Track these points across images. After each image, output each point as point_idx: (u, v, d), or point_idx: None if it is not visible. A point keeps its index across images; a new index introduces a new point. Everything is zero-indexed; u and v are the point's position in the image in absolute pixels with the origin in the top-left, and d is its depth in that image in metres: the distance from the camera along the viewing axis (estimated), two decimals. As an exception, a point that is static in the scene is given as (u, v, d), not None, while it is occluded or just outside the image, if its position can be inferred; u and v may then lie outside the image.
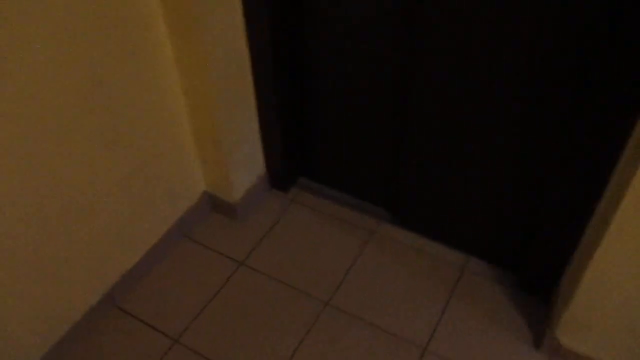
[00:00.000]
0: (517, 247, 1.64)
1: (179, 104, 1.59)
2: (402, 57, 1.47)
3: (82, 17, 1.22)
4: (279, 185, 1.97)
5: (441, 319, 1.59)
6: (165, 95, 1.54)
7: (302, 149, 1.92)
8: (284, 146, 1.86)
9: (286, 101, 1.74)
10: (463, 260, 1.75)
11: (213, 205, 1.89)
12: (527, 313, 1.61)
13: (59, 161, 1.30)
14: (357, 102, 1.66)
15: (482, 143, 1.49)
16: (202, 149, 1.72)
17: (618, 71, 1.10)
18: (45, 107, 1.22)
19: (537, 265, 1.58)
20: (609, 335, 1.33)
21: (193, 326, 1.59)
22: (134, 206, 1.57)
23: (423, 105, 1.50)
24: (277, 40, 1.57)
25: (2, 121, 1.14)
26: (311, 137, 1.87)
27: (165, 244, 1.74)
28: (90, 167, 1.38)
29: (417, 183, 1.70)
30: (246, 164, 1.83)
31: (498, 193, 1.57)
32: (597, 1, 1.11)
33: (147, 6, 1.36)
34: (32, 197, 1.27)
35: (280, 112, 1.75)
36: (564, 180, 1.37)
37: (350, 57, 1.56)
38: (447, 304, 1.63)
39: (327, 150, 1.87)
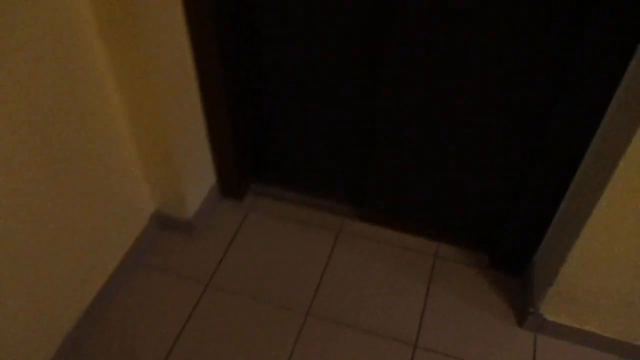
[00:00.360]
0: (487, 227, 1.65)
1: (120, 122, 1.42)
2: (367, 39, 1.40)
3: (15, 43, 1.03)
4: (233, 194, 1.84)
5: (424, 311, 1.57)
6: (106, 116, 1.36)
7: (255, 151, 1.80)
8: (236, 151, 1.73)
9: (235, 102, 1.61)
10: (434, 247, 1.73)
11: (165, 224, 1.73)
12: (504, 291, 1.62)
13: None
14: (315, 94, 1.57)
15: (448, 130, 1.46)
16: (150, 166, 1.56)
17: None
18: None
19: (509, 243, 1.59)
20: (594, 304, 1.37)
21: (168, 363, 1.45)
22: (81, 240, 1.39)
23: (390, 96, 1.44)
24: (223, 32, 1.44)
25: None
26: (263, 138, 1.75)
27: (121, 276, 1.57)
28: (28, 201, 1.19)
29: (381, 176, 1.65)
30: (198, 176, 1.69)
31: (464, 177, 1.55)
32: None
33: (82, 28, 1.18)
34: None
35: (230, 115, 1.62)
36: (536, 158, 1.37)
37: (310, 43, 1.46)
38: (427, 294, 1.61)
39: (281, 151, 1.77)
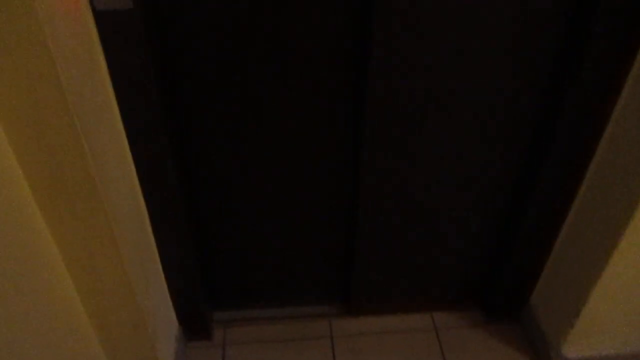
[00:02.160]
0: (474, 284, 1.64)
1: (74, 304, 1.12)
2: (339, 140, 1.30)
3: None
4: (201, 334, 1.58)
5: (454, 392, 1.49)
6: (59, 308, 1.06)
7: (213, 280, 1.57)
8: (195, 287, 1.48)
9: (190, 241, 1.39)
10: (429, 320, 1.67)
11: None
12: (511, 340, 1.61)
13: None
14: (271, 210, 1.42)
15: (429, 205, 1.42)
16: (116, 340, 1.25)
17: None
18: None
19: (503, 294, 1.59)
20: (614, 333, 1.41)
21: None
22: None
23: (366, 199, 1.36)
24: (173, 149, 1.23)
25: None
26: (221, 265, 1.54)
27: None
28: None
29: (364, 267, 1.54)
30: (166, 332, 1.41)
31: (447, 246, 1.52)
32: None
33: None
34: None
35: (187, 250, 1.40)
36: (523, 210, 1.40)
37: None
38: (448, 373, 1.53)
39: (245, 274, 1.57)
